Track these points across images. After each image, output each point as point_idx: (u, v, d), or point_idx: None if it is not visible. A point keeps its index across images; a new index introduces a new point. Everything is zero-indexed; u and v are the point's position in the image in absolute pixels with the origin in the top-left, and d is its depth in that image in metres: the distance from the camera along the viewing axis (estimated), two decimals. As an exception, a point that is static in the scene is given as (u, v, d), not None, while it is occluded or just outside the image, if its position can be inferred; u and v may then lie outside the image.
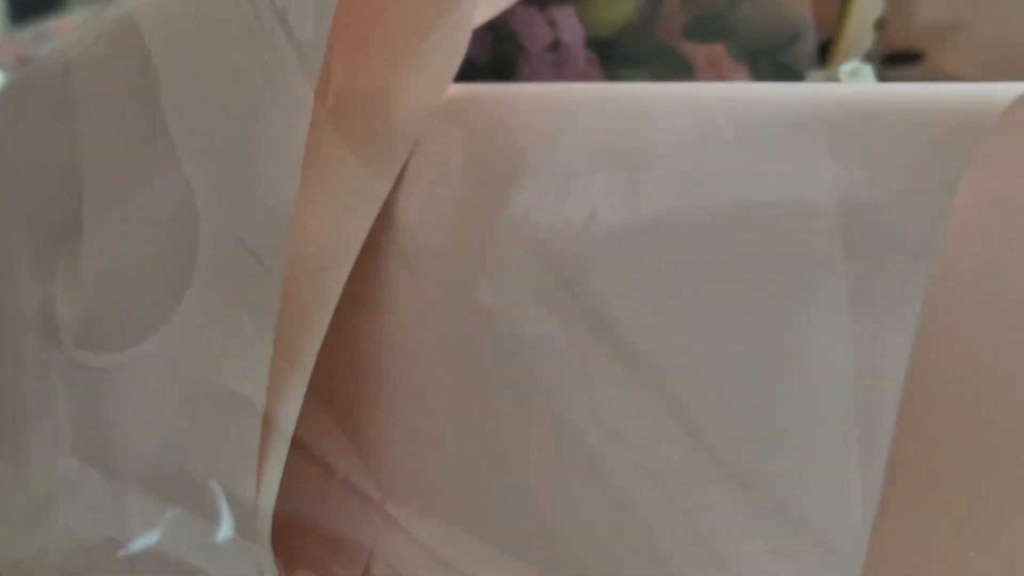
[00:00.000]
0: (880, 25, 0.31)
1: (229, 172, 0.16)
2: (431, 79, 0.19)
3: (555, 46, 0.26)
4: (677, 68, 0.30)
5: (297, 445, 0.16)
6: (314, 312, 0.16)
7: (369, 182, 0.17)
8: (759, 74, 0.31)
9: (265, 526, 0.16)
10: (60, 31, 0.41)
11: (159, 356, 0.17)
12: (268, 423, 0.16)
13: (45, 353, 0.18)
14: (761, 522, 0.13)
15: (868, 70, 0.27)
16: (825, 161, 0.14)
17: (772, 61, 0.29)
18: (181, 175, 0.17)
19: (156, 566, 0.17)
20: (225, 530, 0.16)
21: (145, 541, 0.17)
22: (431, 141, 0.18)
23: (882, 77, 0.28)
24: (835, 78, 0.27)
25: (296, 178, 0.16)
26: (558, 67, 0.26)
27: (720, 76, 0.31)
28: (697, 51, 0.29)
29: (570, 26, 0.26)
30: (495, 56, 0.25)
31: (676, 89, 0.19)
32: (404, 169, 0.18)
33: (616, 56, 0.27)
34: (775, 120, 0.15)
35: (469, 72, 0.20)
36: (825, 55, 0.30)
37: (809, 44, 0.28)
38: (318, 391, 0.16)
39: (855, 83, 0.26)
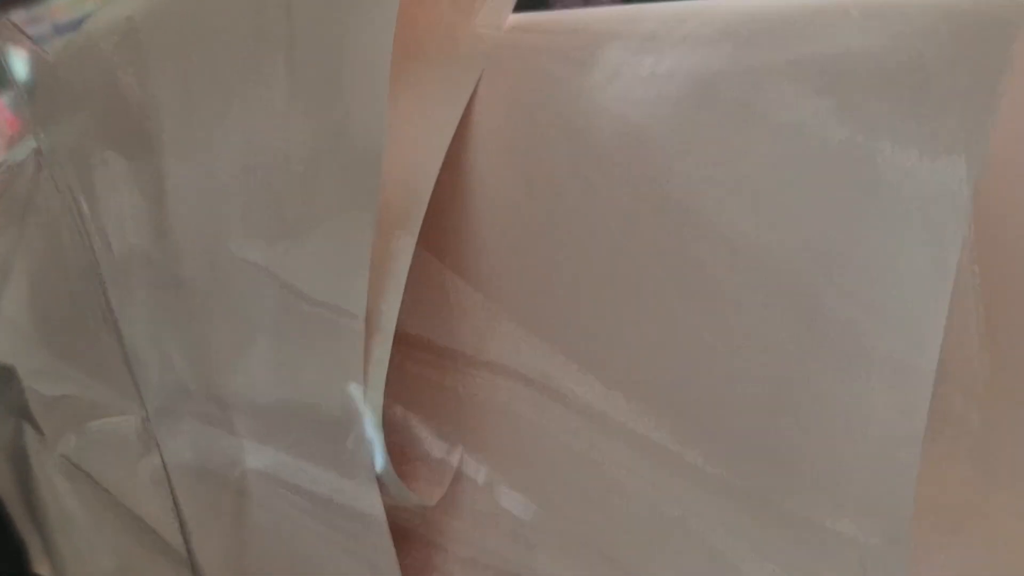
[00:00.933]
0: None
1: (326, 94, 0.17)
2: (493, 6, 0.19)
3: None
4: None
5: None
6: (408, 216, 0.17)
7: (452, 90, 0.18)
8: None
9: (376, 422, 0.16)
10: (53, 13, 0.40)
11: (263, 272, 0.17)
12: (370, 325, 0.16)
13: (151, 275, 0.19)
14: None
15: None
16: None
17: None
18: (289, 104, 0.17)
19: (267, 482, 0.17)
20: (345, 433, 0.16)
21: (258, 458, 0.17)
22: (502, 63, 0.19)
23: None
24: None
25: (385, 90, 0.16)
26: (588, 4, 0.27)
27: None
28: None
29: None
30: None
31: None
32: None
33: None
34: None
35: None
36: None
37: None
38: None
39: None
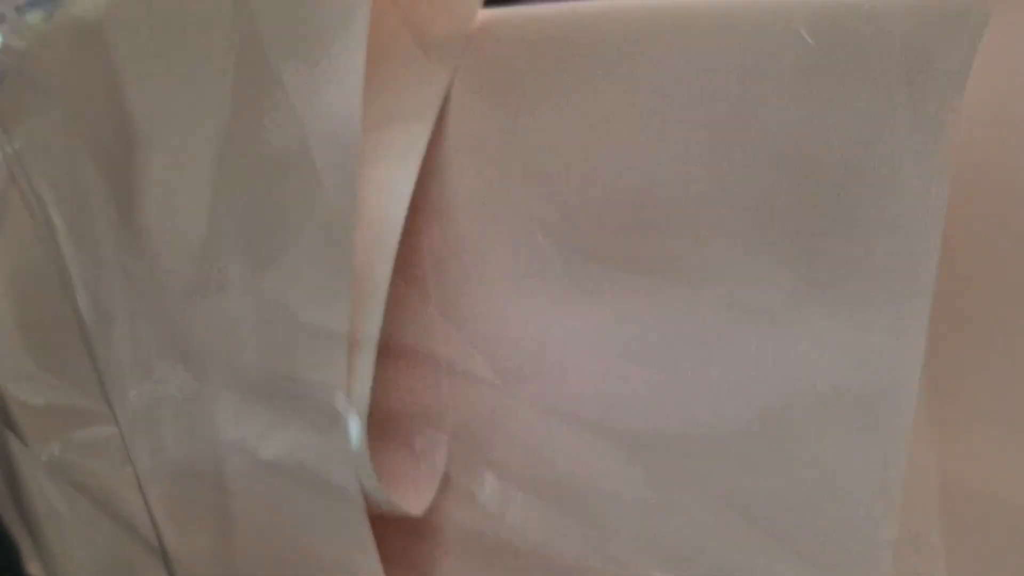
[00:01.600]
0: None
1: (300, 97, 0.17)
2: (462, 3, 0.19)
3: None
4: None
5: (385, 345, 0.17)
6: (387, 223, 0.17)
7: (424, 94, 0.18)
8: None
9: (359, 434, 0.16)
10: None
11: (243, 285, 0.17)
12: (353, 339, 0.16)
13: (127, 281, 0.19)
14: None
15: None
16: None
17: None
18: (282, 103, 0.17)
19: (249, 474, 0.18)
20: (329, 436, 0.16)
21: (241, 450, 0.17)
22: (474, 62, 0.19)
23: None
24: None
25: (360, 95, 0.16)
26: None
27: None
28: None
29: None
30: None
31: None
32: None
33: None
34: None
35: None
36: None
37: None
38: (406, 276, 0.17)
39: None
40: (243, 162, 0.18)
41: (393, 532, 0.18)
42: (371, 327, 0.16)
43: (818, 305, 0.15)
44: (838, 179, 0.15)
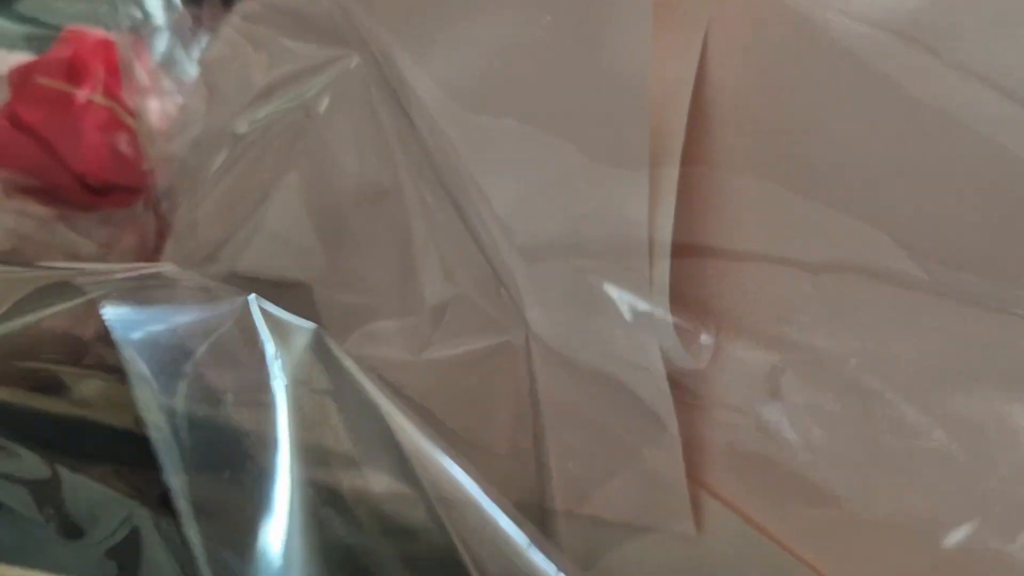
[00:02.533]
0: None
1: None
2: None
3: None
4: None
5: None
6: (669, 143, 0.19)
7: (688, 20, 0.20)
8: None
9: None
10: None
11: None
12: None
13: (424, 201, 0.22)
14: None
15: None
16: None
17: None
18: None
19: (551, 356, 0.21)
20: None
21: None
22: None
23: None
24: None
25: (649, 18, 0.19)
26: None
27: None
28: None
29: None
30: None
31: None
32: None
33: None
34: None
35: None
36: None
37: None
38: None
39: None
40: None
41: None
42: (663, 234, 0.19)
43: None
44: None
